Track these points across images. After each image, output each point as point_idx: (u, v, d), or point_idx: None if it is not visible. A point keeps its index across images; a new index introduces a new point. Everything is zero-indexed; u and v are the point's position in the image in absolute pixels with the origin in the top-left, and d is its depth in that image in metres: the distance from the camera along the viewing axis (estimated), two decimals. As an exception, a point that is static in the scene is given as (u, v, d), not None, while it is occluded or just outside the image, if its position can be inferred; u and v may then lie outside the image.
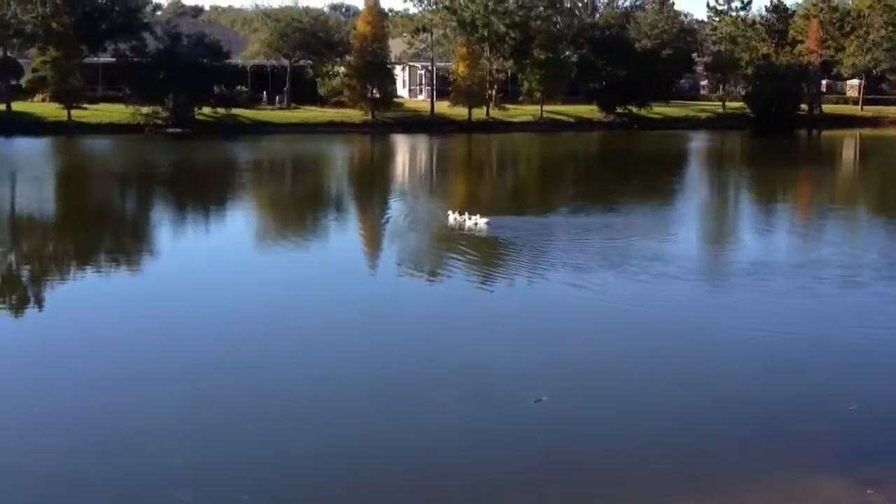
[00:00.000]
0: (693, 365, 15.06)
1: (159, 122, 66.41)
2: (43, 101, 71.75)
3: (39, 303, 19.48)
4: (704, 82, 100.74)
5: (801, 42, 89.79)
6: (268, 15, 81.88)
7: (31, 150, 56.27)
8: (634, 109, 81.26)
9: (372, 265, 23.90)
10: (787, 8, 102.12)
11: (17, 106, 69.00)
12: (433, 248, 25.22)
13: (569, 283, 19.92)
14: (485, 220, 26.40)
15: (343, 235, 28.67)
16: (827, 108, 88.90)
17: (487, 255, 23.75)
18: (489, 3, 77.03)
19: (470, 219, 26.57)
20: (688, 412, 13.09)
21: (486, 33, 77.39)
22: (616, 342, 16.22)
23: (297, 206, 35.48)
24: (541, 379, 14.12)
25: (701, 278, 21.35)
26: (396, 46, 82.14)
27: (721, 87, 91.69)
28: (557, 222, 29.24)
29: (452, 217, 27.16)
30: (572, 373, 14.63)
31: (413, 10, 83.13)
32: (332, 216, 32.57)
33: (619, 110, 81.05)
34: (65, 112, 66.87)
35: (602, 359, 15.35)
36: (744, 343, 16.09)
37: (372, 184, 43.41)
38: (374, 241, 27.16)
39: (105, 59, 75.52)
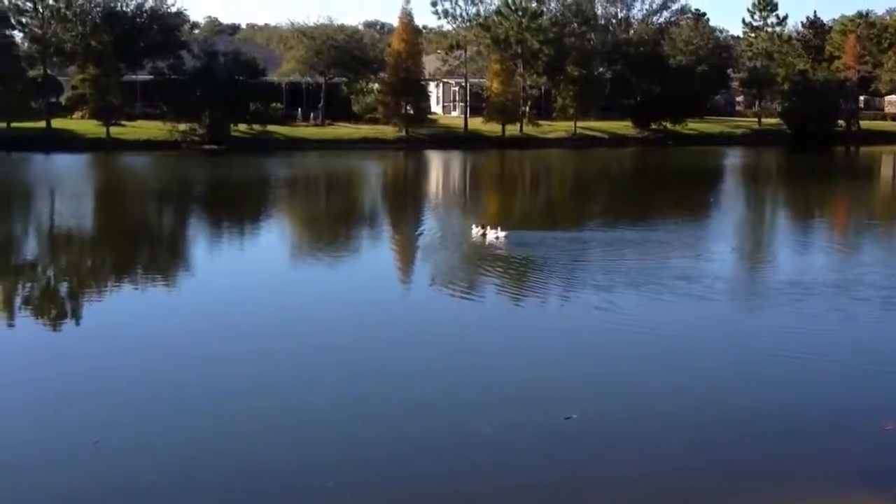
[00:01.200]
0: (722, 384, 14.90)
1: (196, 138, 67.13)
2: (82, 118, 72.82)
3: (76, 316, 19.73)
4: (740, 98, 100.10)
5: (839, 58, 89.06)
6: (303, 33, 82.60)
7: (70, 167, 57.07)
8: (669, 125, 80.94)
9: (398, 283, 23.86)
10: (824, 23, 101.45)
11: (56, 123, 70.14)
12: (460, 265, 25.15)
13: (592, 304, 19.82)
14: (504, 233, 26.86)
15: (375, 252, 28.72)
16: (865, 124, 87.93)
17: (516, 273, 23.70)
18: (523, 21, 77.21)
19: (491, 232, 27.05)
20: (717, 430, 12.95)
21: (519, 50, 77.57)
22: (642, 361, 16.08)
23: (331, 222, 35.62)
24: (570, 398, 14.06)
25: (733, 298, 21.05)
26: (430, 63, 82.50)
27: (757, 103, 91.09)
28: (590, 237, 29.13)
29: (475, 230, 27.66)
30: (601, 392, 14.56)
31: (447, 27, 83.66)
32: (365, 232, 32.68)
33: (653, 126, 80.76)
34: (103, 129, 67.82)
35: (629, 378, 15.24)
36: (773, 364, 15.90)
37: (405, 200, 43.52)
38: (403, 259, 27.13)
39: (143, 76, 76.51)
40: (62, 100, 76.47)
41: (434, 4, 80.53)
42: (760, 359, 16.09)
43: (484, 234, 27.22)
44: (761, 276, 24.15)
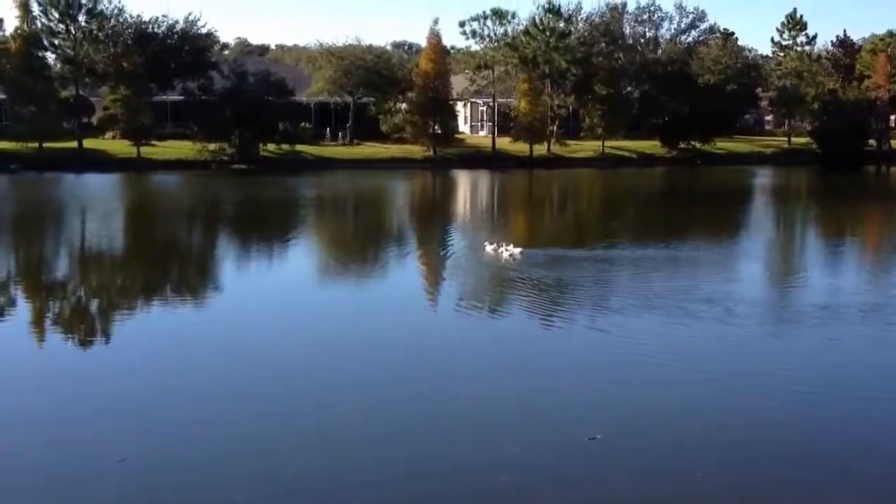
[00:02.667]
0: (745, 410, 14.73)
1: (225, 158, 67.68)
2: (113, 138, 73.64)
3: (104, 335, 19.84)
4: (769, 117, 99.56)
5: (869, 77, 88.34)
6: (332, 53, 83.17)
7: (101, 186, 57.66)
8: (698, 145, 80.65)
9: (420, 303, 23.77)
10: (854, 43, 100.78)
11: (88, 143, 71.00)
12: (479, 285, 25.08)
13: (609, 324, 19.73)
14: (518, 250, 27.24)
15: (400, 272, 28.57)
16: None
17: (536, 293, 23.61)
18: (551, 40, 77.34)
19: (505, 249, 27.39)
20: (742, 453, 12.78)
21: (547, 70, 77.65)
22: (664, 383, 15.96)
23: (359, 242, 35.70)
24: (594, 419, 13.96)
25: (758, 321, 20.66)
26: (458, 83, 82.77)
27: (786, 122, 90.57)
28: (615, 256, 28.99)
29: (489, 247, 28.02)
30: (624, 413, 14.44)
31: (475, 47, 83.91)
32: (392, 252, 32.65)
33: (682, 146, 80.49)
34: (134, 149, 68.55)
35: (652, 399, 15.11)
36: (796, 390, 15.73)
37: (432, 219, 43.50)
38: (427, 280, 27.07)
39: (174, 97, 77.29)
40: (94, 120, 77.42)
41: (462, 25, 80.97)
42: (783, 384, 15.92)
43: (497, 251, 27.54)
44: (789, 299, 23.84)
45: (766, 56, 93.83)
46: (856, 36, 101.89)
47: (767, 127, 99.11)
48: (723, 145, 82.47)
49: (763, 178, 68.99)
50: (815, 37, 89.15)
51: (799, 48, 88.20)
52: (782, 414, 14.31)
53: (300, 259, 30.99)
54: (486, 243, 28.71)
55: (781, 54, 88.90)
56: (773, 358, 17.54)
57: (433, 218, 43.57)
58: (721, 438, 13.28)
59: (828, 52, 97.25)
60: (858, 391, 15.54)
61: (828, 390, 15.50)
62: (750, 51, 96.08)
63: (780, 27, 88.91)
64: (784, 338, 19.18)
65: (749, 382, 15.83)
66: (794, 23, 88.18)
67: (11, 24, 71.36)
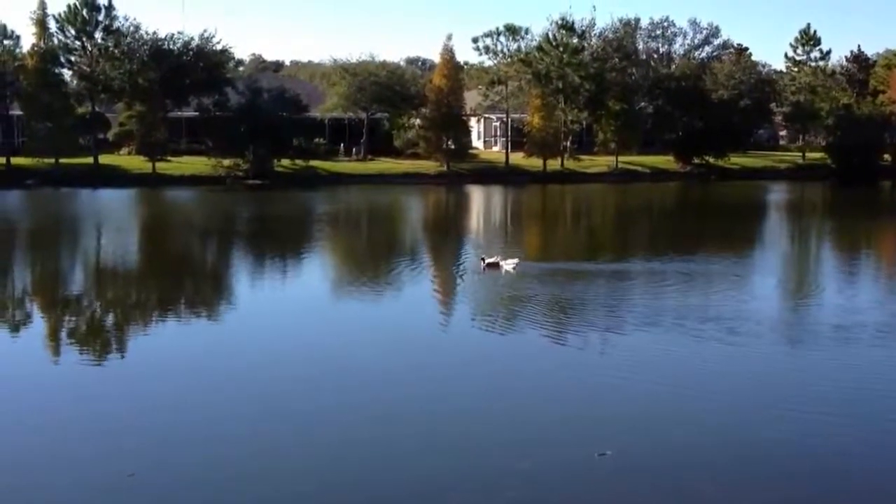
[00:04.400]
0: (755, 428, 14.69)
1: (240, 174, 67.93)
2: (129, 153, 74.12)
3: (119, 350, 19.99)
4: (783, 132, 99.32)
5: (883, 92, 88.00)
6: (346, 69, 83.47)
7: (117, 201, 58.00)
8: (711, 160, 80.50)
9: (428, 319, 23.75)
10: (868, 58, 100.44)
11: (104, 158, 71.46)
12: (490, 301, 25.08)
13: (619, 341, 19.72)
14: (512, 264, 28.07)
15: (412, 288, 28.43)
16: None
17: (547, 308, 23.62)
18: (564, 56, 77.43)
19: (503, 263, 28.17)
20: (749, 471, 12.76)
21: (560, 85, 77.73)
22: (671, 400, 15.94)
23: (372, 258, 35.72)
24: (603, 435, 13.95)
25: (771, 339, 20.50)
26: (471, 98, 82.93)
27: (801, 137, 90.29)
28: (625, 270, 28.98)
29: (487, 260, 28.57)
30: (633, 430, 14.42)
31: (488, 62, 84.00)
32: (404, 268, 32.56)
33: (695, 161, 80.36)
34: (149, 164, 68.94)
35: (663, 416, 15.09)
36: (809, 409, 15.67)
37: (445, 235, 43.56)
38: (438, 296, 27.09)
39: (188, 113, 77.68)
40: (109, 136, 77.93)
41: (475, 41, 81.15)
42: (796, 403, 15.88)
43: (488, 266, 28.15)
44: (802, 317, 23.65)
45: (780, 71, 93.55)
46: (870, 51, 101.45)
47: (782, 142, 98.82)
48: (737, 160, 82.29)
49: (777, 194, 68.83)
50: (829, 52, 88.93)
51: (813, 63, 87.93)
52: (791, 433, 14.25)
53: (311, 275, 31.07)
54: (482, 258, 29.10)
55: (795, 69, 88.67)
56: (785, 376, 17.51)
57: (447, 233, 43.64)
58: (730, 456, 13.25)
59: (842, 68, 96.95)
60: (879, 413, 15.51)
61: (840, 409, 15.43)
62: (764, 66, 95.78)
63: (793, 42, 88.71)
64: (796, 356, 19.11)
65: (760, 402, 15.80)
66: (808, 38, 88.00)
67: (28, 40, 72.16)
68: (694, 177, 77.50)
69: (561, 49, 77.97)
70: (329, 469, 12.69)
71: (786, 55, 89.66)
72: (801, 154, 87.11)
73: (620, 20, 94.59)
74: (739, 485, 12.25)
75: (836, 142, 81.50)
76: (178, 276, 30.32)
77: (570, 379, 17.10)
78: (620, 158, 78.43)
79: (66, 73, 75.63)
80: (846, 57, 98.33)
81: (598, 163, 78.85)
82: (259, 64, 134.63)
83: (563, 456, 13.19)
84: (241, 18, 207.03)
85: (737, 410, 15.28)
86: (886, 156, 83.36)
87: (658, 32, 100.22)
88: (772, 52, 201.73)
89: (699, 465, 12.93)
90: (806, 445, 13.74)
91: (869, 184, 73.92)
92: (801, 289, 28.22)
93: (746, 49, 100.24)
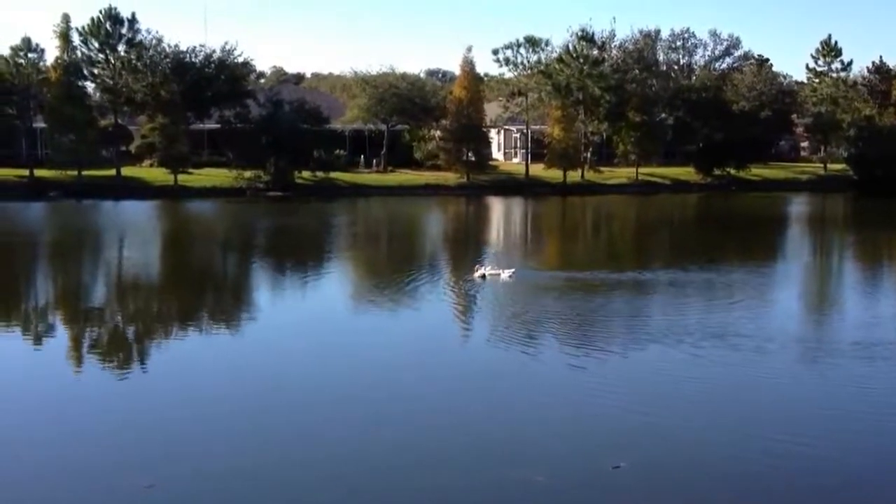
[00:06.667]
0: (771, 441, 14.60)
1: (261, 185, 68.34)
2: (151, 165, 74.66)
3: (141, 362, 20.09)
4: (805, 144, 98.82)
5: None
6: (366, 81, 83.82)
7: (139, 213, 58.40)
8: (732, 171, 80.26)
9: (446, 332, 23.80)
10: (890, 69, 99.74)
11: (126, 170, 72.08)
12: (505, 314, 25.07)
13: (626, 352, 19.67)
14: (509, 272, 28.76)
15: (430, 300, 28.43)
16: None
17: (563, 321, 23.58)
18: (584, 67, 77.48)
19: (502, 272, 28.87)
20: (763, 483, 12.71)
21: (580, 96, 77.78)
22: (693, 409, 15.88)
23: (391, 270, 35.66)
24: (616, 448, 13.92)
25: (791, 353, 20.46)
26: (492, 110, 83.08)
27: (822, 148, 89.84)
28: (651, 281, 28.90)
29: (483, 270, 29.04)
30: (647, 442, 14.38)
31: (508, 74, 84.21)
32: (423, 280, 32.55)
33: (716, 172, 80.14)
34: (171, 176, 69.44)
35: (678, 426, 15.04)
36: (825, 425, 15.59)
37: (465, 247, 43.53)
38: (455, 308, 27.06)
39: (210, 125, 78.23)
40: (132, 148, 78.53)
41: (495, 52, 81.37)
42: (812, 418, 15.79)
43: (484, 276, 28.62)
44: (822, 331, 23.46)
45: (801, 82, 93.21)
46: (892, 62, 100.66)
47: (803, 153, 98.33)
48: (758, 172, 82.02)
49: (799, 205, 68.48)
50: (850, 63, 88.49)
51: (834, 74, 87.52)
52: (809, 448, 14.18)
53: (330, 287, 31.12)
54: (477, 267, 29.52)
55: (817, 80, 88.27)
56: (802, 390, 17.43)
57: (466, 245, 43.64)
58: (745, 469, 13.18)
59: (863, 78, 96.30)
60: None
61: (853, 424, 15.36)
62: (785, 77, 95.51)
63: (814, 53, 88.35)
64: (816, 371, 18.97)
65: (776, 415, 15.73)
66: (830, 49, 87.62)
67: (52, 53, 72.94)
68: (714, 188, 77.28)
69: (581, 60, 78.04)
70: (350, 481, 12.70)
71: (807, 66, 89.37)
72: (822, 165, 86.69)
73: (641, 31, 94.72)
74: (756, 497, 12.20)
75: (858, 153, 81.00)
76: (200, 287, 30.49)
77: (584, 391, 17.05)
78: (641, 170, 78.35)
79: (90, 86, 76.55)
80: (868, 68, 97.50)
81: (619, 174, 78.78)
82: (280, 76, 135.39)
83: (578, 469, 13.19)
84: (262, 31, 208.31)
85: (758, 424, 15.21)
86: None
87: (679, 43, 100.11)
88: (793, 63, 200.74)
89: (717, 479, 12.85)
90: (840, 462, 13.68)
91: (891, 195, 73.27)
92: (822, 302, 28.05)
93: (767, 60, 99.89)
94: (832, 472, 13.20)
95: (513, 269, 29.24)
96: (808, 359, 19.57)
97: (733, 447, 13.99)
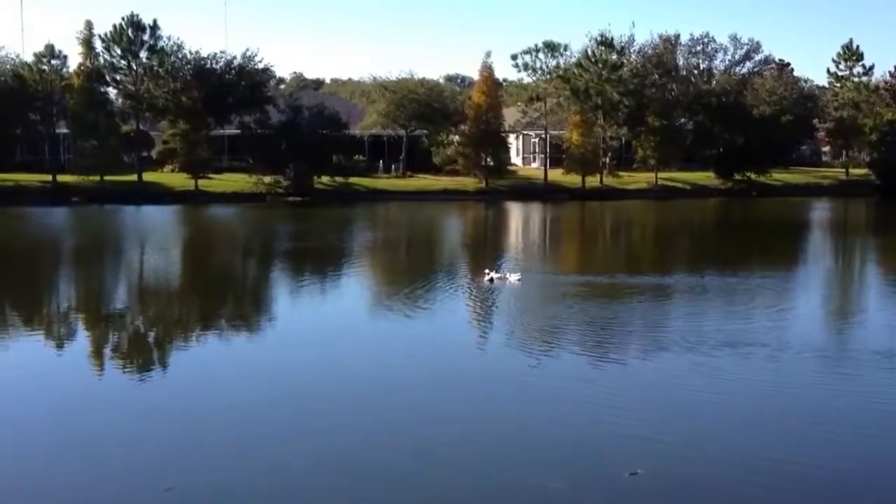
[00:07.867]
0: (786, 449, 14.56)
1: (280, 190, 68.65)
2: (172, 171, 75.13)
3: (162, 365, 20.22)
4: (826, 148, 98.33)
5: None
6: (385, 87, 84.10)
7: (160, 218, 58.77)
8: (753, 176, 79.91)
9: (462, 337, 23.83)
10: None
11: (147, 176, 72.54)
12: (525, 320, 25.05)
13: (630, 358, 19.62)
14: (517, 276, 29.15)
15: (447, 304, 28.52)
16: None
17: (582, 325, 23.55)
18: (603, 72, 77.41)
19: (509, 275, 29.25)
20: (779, 492, 12.67)
21: (599, 101, 77.71)
22: (711, 417, 15.84)
23: (409, 274, 35.70)
24: (634, 454, 13.91)
25: (812, 361, 20.30)
26: (510, 115, 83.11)
27: (844, 153, 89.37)
28: (669, 285, 28.83)
29: (491, 274, 29.40)
30: (665, 448, 14.35)
31: (527, 79, 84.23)
32: (440, 284, 32.57)
33: (736, 177, 79.82)
34: (192, 182, 69.84)
35: (693, 433, 15.00)
36: (842, 433, 15.51)
37: (483, 252, 43.53)
38: (473, 313, 27.09)
39: (230, 130, 78.67)
40: (153, 154, 79.09)
41: (514, 58, 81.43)
42: (834, 426, 15.71)
43: (492, 280, 29.01)
44: (844, 339, 23.26)
45: (823, 87, 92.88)
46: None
47: (825, 158, 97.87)
48: (779, 177, 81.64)
49: (820, 210, 68.09)
50: (872, 67, 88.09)
51: (856, 78, 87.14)
52: (831, 456, 14.14)
53: (349, 291, 31.17)
54: (486, 271, 29.76)
55: (838, 85, 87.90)
56: (821, 400, 17.34)
57: (485, 250, 43.64)
58: (761, 477, 13.14)
59: (885, 83, 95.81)
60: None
61: (866, 431, 15.29)
62: (806, 81, 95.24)
63: (836, 58, 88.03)
64: (835, 379, 18.85)
65: (794, 424, 15.67)
66: (851, 53, 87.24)
67: (75, 60, 73.55)
68: (735, 193, 76.98)
69: (600, 65, 78.01)
70: (365, 490, 12.75)
71: (828, 70, 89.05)
72: (844, 170, 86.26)
73: (660, 36, 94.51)
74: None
75: (881, 158, 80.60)
76: (221, 292, 30.63)
77: (602, 396, 17.02)
78: (660, 175, 78.15)
79: (112, 92, 77.26)
80: (890, 72, 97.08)
81: (638, 179, 78.60)
82: (300, 82, 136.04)
83: (595, 476, 13.19)
84: (282, 37, 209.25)
85: (778, 432, 15.16)
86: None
87: (698, 48, 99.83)
88: (814, 67, 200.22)
89: (734, 489, 12.80)
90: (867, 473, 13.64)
91: (914, 200, 72.87)
92: (844, 309, 27.88)
93: (788, 64, 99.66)
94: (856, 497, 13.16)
95: (519, 274, 29.49)
96: (831, 370, 19.45)
97: (752, 458, 13.92)
